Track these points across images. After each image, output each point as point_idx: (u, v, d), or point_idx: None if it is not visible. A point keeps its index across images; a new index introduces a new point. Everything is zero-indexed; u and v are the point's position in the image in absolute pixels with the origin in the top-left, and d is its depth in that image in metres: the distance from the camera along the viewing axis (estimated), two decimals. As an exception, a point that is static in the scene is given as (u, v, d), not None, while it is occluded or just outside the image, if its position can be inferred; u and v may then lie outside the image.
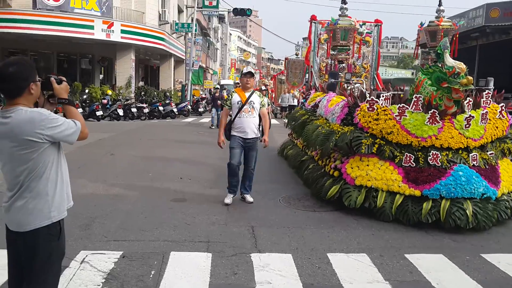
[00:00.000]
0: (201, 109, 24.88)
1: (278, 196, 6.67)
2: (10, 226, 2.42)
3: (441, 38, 8.91)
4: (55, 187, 2.43)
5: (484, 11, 17.87)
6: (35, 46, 21.57)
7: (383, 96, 5.82)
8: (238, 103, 6.09)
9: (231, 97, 6.22)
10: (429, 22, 9.70)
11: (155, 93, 23.43)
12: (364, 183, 5.67)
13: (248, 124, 6.06)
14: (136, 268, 4.00)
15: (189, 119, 21.74)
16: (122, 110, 19.58)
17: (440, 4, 9.55)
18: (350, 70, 10.30)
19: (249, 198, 6.31)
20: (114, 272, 3.91)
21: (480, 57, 19.24)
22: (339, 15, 9.87)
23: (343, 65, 10.18)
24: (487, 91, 6.16)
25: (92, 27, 20.02)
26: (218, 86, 26.68)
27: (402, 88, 8.57)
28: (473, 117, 5.58)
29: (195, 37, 28.60)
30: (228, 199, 6.16)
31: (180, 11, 32.08)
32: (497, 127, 5.99)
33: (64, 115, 2.46)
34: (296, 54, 20.39)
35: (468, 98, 5.65)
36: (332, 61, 10.35)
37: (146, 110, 20.42)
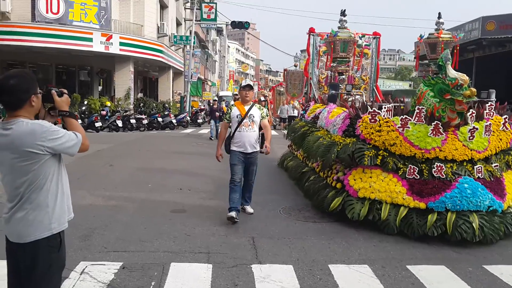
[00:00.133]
0: (200, 120, 24.95)
1: (278, 207, 6.64)
2: (10, 238, 2.40)
3: (441, 50, 8.93)
4: (55, 199, 2.43)
5: (480, 24, 18.06)
6: (33, 58, 21.63)
7: (385, 107, 5.78)
8: (237, 117, 5.95)
9: (230, 111, 6.10)
10: (429, 34, 9.71)
11: (154, 104, 23.46)
12: (368, 195, 5.61)
13: (248, 139, 5.92)
14: (136, 279, 3.97)
15: (188, 130, 21.76)
16: (121, 121, 19.59)
17: (439, 17, 9.57)
18: (350, 81, 10.32)
19: (249, 209, 6.28)
20: (114, 283, 3.88)
21: (477, 70, 19.40)
22: (338, 27, 9.90)
23: (343, 76, 10.19)
24: (490, 103, 6.12)
25: (91, 40, 20.09)
26: (216, 98, 26.76)
27: (402, 99, 8.56)
28: (476, 129, 5.54)
29: (193, 50, 28.75)
30: (232, 213, 5.72)
31: (178, 24, 32.29)
32: (501, 139, 5.95)
33: (63, 127, 2.46)
34: (295, 66, 20.52)
35: (471, 110, 5.62)
36: (332, 73, 10.36)
37: (145, 121, 20.45)
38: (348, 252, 4.87)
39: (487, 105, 5.99)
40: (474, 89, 5.15)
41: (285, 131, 12.78)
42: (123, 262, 4.33)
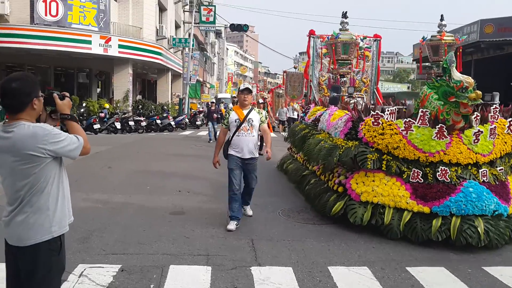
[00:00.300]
0: (198, 122, 24.94)
1: (277, 209, 6.62)
2: (9, 241, 2.40)
3: (444, 53, 8.87)
4: (56, 202, 2.42)
5: (479, 27, 18.10)
6: (32, 61, 21.58)
7: (388, 110, 5.70)
8: (236, 121, 5.74)
9: (228, 116, 5.86)
10: (431, 36, 9.63)
11: (152, 106, 23.44)
12: (370, 199, 5.50)
13: (247, 144, 5.72)
14: (135, 282, 3.95)
15: (187, 132, 21.73)
16: (119, 123, 19.57)
17: (442, 19, 9.50)
18: (353, 84, 10.25)
19: (249, 211, 6.22)
20: (113, 286, 3.87)
21: (475, 72, 19.41)
22: (340, 29, 9.87)
23: (345, 79, 10.13)
24: (494, 105, 6.05)
25: (89, 42, 20.06)
26: (214, 100, 26.79)
27: (403, 102, 8.52)
28: (481, 132, 5.47)
29: (192, 52, 28.76)
30: (232, 226, 5.61)
31: (177, 26, 32.30)
32: (505, 142, 5.88)
33: (61, 129, 2.45)
34: (295, 67, 20.56)
35: (475, 113, 5.54)
36: (334, 75, 10.29)
37: (143, 123, 20.41)
38: (348, 254, 4.86)
39: (492, 108, 5.90)
40: (479, 92, 5.07)
41: (284, 133, 12.75)
42: (122, 265, 4.32)
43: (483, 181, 5.36)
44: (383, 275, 4.29)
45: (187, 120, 23.93)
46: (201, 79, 41.62)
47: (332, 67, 10.07)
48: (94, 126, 18.76)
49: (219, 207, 6.50)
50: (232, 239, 5.22)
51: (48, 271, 2.41)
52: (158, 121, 21.25)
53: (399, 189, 5.40)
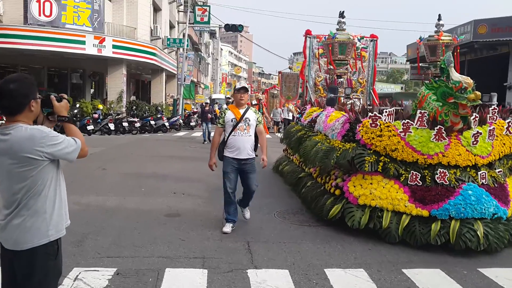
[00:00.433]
0: (192, 123, 24.85)
1: (273, 211, 6.60)
2: (5, 245, 2.36)
3: (442, 53, 8.81)
4: (53, 205, 2.40)
5: (472, 27, 18.23)
6: (25, 61, 21.43)
7: (386, 111, 5.61)
8: (232, 121, 5.58)
9: (224, 115, 5.71)
10: (429, 36, 9.59)
11: (146, 107, 23.34)
12: (368, 203, 5.42)
13: (243, 143, 5.55)
14: (131, 285, 3.92)
15: (181, 133, 21.67)
16: (113, 124, 19.46)
17: (439, 19, 9.47)
18: (350, 84, 10.19)
19: (246, 214, 6.01)
20: (108, 290, 3.82)
21: (469, 73, 19.49)
22: (337, 29, 9.81)
23: (342, 79, 10.06)
24: (493, 106, 6.00)
25: (83, 42, 19.93)
26: (208, 101, 26.75)
27: (400, 103, 8.46)
28: (480, 133, 5.40)
29: (186, 52, 28.68)
30: (227, 228, 5.57)
31: (171, 26, 32.21)
32: (504, 144, 5.82)
33: (55, 130, 2.42)
34: (290, 68, 20.52)
35: (474, 114, 5.47)
36: (331, 76, 10.23)
37: (137, 124, 20.30)
38: (344, 256, 4.86)
39: (490, 109, 5.85)
40: (478, 93, 5.00)
41: (279, 134, 12.70)
42: (117, 268, 4.28)
43: (482, 183, 5.29)
44: (380, 277, 4.29)
45: (181, 121, 23.89)
46: (195, 80, 41.53)
47: (331, 67, 10.00)
48: (87, 127, 18.66)
49: (215, 209, 6.47)
50: (228, 242, 5.19)
51: (44, 276, 2.38)
52: (152, 122, 21.15)
53: (397, 192, 5.33)
